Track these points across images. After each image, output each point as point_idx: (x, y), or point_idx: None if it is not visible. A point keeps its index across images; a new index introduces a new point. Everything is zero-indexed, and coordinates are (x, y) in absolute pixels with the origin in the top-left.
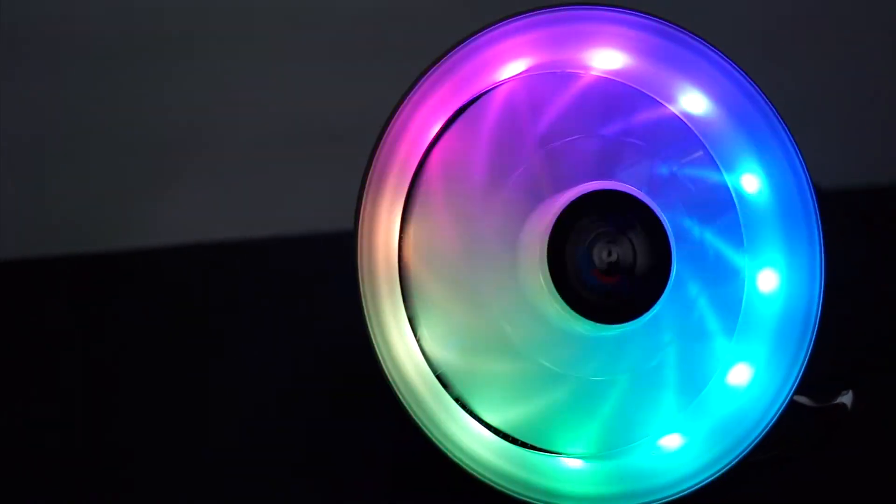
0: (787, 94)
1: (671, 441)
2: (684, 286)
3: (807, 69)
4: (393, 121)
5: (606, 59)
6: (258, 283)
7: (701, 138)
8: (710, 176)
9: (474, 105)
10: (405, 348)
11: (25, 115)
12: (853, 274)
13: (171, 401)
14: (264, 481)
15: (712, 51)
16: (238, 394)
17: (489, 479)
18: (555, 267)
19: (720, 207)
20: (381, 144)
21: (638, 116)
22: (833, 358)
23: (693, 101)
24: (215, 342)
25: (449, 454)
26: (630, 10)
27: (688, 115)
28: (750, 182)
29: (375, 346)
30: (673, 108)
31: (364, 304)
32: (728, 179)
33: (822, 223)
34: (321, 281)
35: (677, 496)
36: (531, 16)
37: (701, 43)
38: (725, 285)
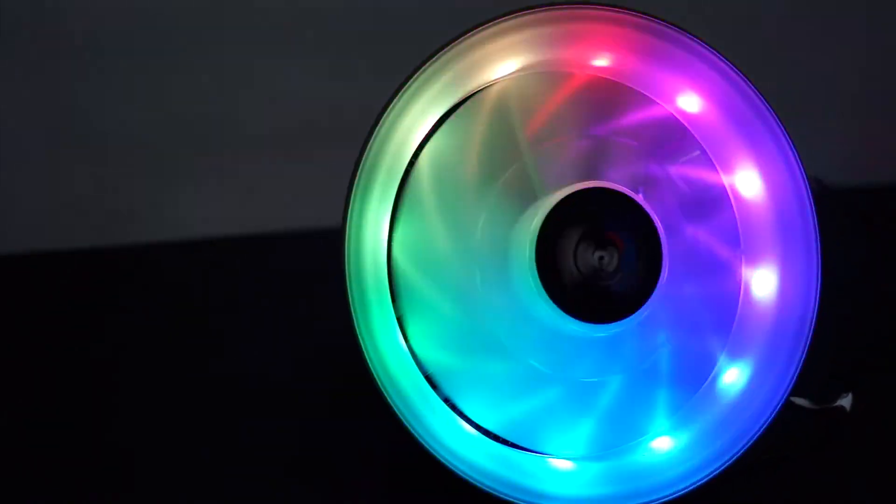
0: (788, 90)
1: (663, 443)
2: (679, 286)
3: (808, 66)
4: (382, 120)
5: (599, 57)
6: (258, 280)
7: (696, 137)
8: (705, 175)
9: (465, 104)
10: (393, 348)
11: (29, 111)
12: (853, 274)
13: (171, 399)
14: (263, 481)
15: (706, 49)
16: (237, 393)
17: (477, 481)
18: (544, 267)
19: (716, 207)
20: (369, 143)
21: (631, 115)
22: (833, 358)
23: (687, 100)
24: (215, 341)
25: (436, 455)
26: (623, 8)
27: (682, 114)
28: (746, 182)
29: (363, 346)
30: (667, 107)
31: (351, 304)
32: (724, 179)
33: (821, 223)
34: (321, 280)
35: (669, 498)
36: (523, 15)
37: (695, 41)
38: (721, 286)
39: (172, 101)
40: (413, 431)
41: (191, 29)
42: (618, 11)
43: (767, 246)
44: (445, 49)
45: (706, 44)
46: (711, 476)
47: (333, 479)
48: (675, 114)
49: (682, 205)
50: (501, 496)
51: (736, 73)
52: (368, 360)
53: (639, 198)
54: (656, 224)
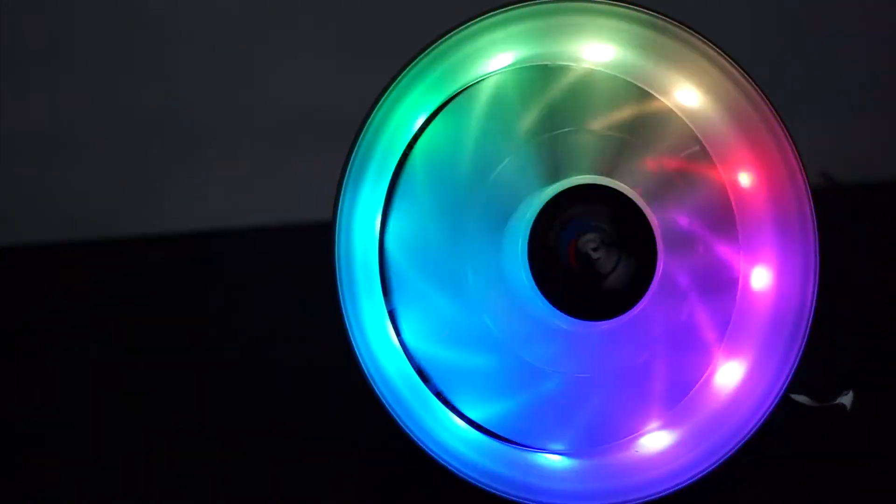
0: (800, 85)
1: (656, 439)
2: (674, 282)
3: (819, 61)
4: (373, 112)
5: (596, 51)
6: (269, 270)
7: (695, 131)
8: (703, 170)
9: (461, 95)
10: (383, 342)
11: (34, 107)
12: (857, 271)
13: (170, 396)
14: (263, 479)
15: (705, 43)
16: (247, 384)
17: (467, 475)
18: (536, 262)
19: (714, 203)
20: (360, 136)
21: (629, 109)
22: (835, 357)
23: (685, 95)
24: (214, 333)
25: (426, 449)
26: (620, 1)
27: (680, 109)
28: (745, 177)
29: (352, 340)
30: (665, 102)
31: (340, 297)
32: (722, 174)
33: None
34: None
35: (661, 494)
36: (518, 7)
37: (692, 35)
38: (718, 282)
39: (190, 94)
40: (402, 426)
41: (192, 22)
42: (614, 4)
43: (766, 241)
44: (438, 42)
45: (704, 37)
46: (705, 473)
47: (312, 464)
48: (673, 108)
49: (680, 200)
50: (491, 491)
51: (734, 67)
52: (357, 354)
53: (634, 194)
54: (651, 221)
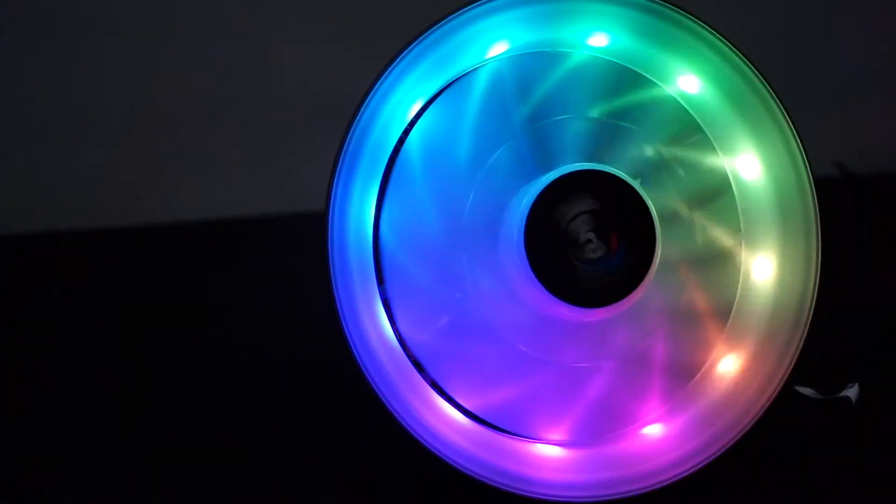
0: (816, 75)
1: (655, 430)
2: (674, 270)
3: (837, 51)
4: (367, 98)
5: (595, 37)
6: (271, 259)
7: (696, 120)
8: (705, 159)
9: (457, 83)
10: (376, 332)
11: (34, 95)
12: (864, 263)
13: (169, 392)
14: (263, 479)
15: (706, 29)
16: (247, 384)
17: (461, 465)
18: (533, 249)
19: (716, 191)
20: (354, 122)
21: (629, 96)
22: (841, 350)
23: (687, 82)
24: (222, 332)
25: (420, 439)
26: None
27: (681, 96)
28: (748, 166)
29: (345, 329)
30: (666, 89)
31: (334, 285)
32: (725, 163)
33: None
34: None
35: (660, 485)
36: None
37: (694, 21)
38: (719, 271)
39: (196, 81)
40: (397, 416)
41: (194, 14)
42: None
43: (768, 231)
44: (434, 28)
45: (704, 22)
46: (703, 464)
47: (312, 464)
48: (674, 96)
49: (681, 189)
50: (487, 482)
51: (735, 52)
52: (350, 343)
53: (633, 181)
54: (650, 208)
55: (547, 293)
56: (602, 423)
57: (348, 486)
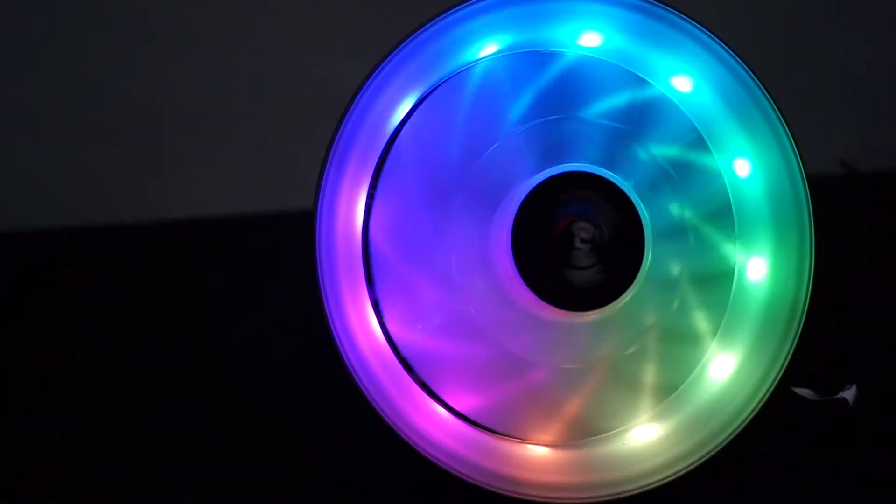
0: (822, 73)
1: (645, 431)
2: (666, 272)
3: (840, 49)
4: (358, 97)
5: (588, 36)
6: (272, 258)
7: (690, 119)
8: (698, 159)
9: (448, 82)
10: (364, 332)
11: (36, 92)
12: (863, 263)
13: (169, 389)
14: (263, 479)
15: (698, 28)
16: (247, 384)
17: (450, 467)
18: (521, 250)
19: (708, 191)
20: (343, 122)
21: (621, 96)
22: (840, 350)
23: (679, 82)
24: (223, 332)
25: (409, 441)
26: None
27: (675, 96)
28: (741, 166)
29: (332, 330)
30: (658, 88)
31: (321, 285)
32: (718, 162)
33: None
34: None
35: (649, 487)
36: None
37: (685, 20)
38: (713, 272)
39: (204, 77)
40: (385, 417)
41: (194, 14)
42: None
43: (762, 231)
44: (426, 26)
45: (698, 23)
46: (694, 466)
47: (312, 464)
48: (667, 95)
49: (674, 189)
50: (476, 483)
51: (729, 53)
52: (338, 343)
53: (622, 182)
54: (641, 211)
55: (535, 296)
56: (591, 426)
57: (348, 487)
